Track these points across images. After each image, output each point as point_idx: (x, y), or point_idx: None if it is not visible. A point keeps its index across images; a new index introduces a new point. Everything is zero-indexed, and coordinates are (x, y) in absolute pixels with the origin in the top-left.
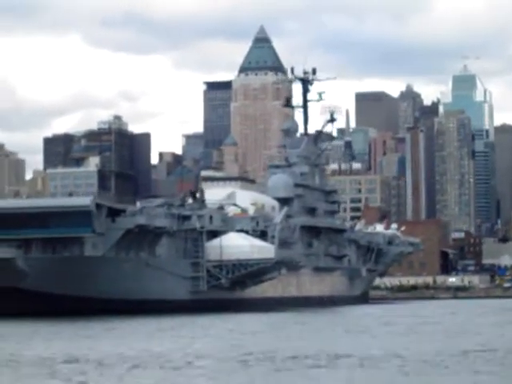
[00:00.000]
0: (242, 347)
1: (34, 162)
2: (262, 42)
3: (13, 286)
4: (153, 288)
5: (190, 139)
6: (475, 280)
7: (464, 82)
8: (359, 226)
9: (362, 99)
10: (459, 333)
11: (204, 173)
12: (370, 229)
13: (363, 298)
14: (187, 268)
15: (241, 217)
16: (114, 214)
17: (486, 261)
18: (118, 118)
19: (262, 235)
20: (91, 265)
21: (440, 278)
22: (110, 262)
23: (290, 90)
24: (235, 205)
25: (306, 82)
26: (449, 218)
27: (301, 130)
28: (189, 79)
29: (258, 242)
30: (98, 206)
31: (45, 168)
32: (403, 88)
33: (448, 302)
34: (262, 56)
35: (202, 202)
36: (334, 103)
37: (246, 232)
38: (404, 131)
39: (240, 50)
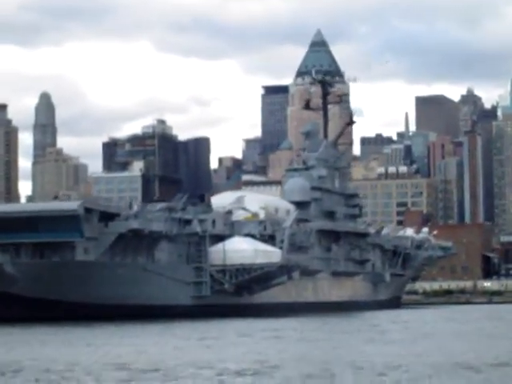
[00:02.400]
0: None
1: (96, 166)
2: (318, 45)
3: (1, 291)
4: (152, 293)
5: (249, 143)
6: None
7: None
8: (387, 230)
9: (423, 103)
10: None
11: (245, 177)
12: (400, 233)
13: (394, 303)
14: (190, 273)
15: (248, 221)
16: (107, 218)
17: None
18: (161, 122)
19: (271, 239)
20: (84, 270)
21: (480, 283)
22: (104, 267)
23: (346, 94)
24: (244, 209)
25: (325, 85)
26: (507, 222)
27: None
28: (257, 84)
29: (262, 247)
30: (89, 210)
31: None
32: (465, 92)
33: (479, 306)
34: (319, 60)
35: (207, 206)
36: (355, 106)
37: (254, 236)
38: (463, 135)
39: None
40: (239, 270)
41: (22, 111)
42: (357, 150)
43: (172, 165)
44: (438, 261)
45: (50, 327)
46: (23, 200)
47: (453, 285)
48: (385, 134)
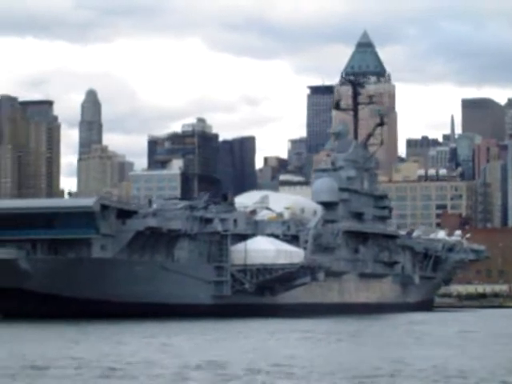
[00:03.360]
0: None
1: (142, 164)
2: (364, 46)
3: (16, 287)
4: (172, 292)
5: (295, 144)
6: None
7: None
8: (417, 232)
9: (469, 106)
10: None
11: (283, 177)
12: (432, 235)
13: (426, 306)
14: (210, 272)
15: (272, 221)
16: (125, 215)
17: None
18: (201, 120)
19: (294, 240)
20: (100, 267)
21: None
22: (121, 265)
23: (393, 95)
24: (268, 208)
25: (355, 85)
26: None
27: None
28: (305, 84)
29: (285, 247)
30: (105, 207)
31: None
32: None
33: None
34: (364, 61)
35: (230, 205)
36: (383, 106)
37: (277, 236)
38: (508, 138)
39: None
40: (260, 270)
41: (69, 108)
42: (402, 151)
43: (211, 163)
44: (470, 264)
45: (69, 324)
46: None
47: (488, 288)
48: (431, 136)
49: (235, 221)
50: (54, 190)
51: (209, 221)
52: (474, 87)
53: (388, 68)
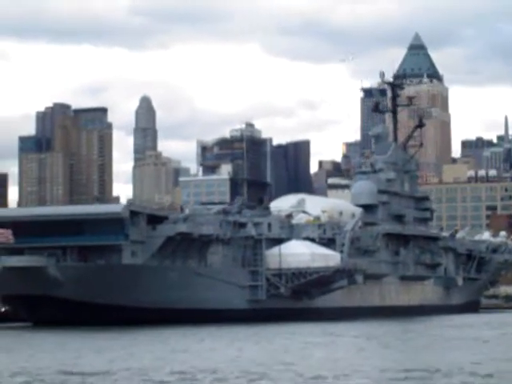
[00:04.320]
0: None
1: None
2: (417, 48)
3: (46, 295)
4: (206, 297)
5: (349, 147)
6: None
7: None
8: (462, 233)
9: None
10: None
11: (331, 180)
12: (476, 237)
13: (472, 307)
14: (245, 276)
15: (307, 224)
16: (155, 221)
17: None
18: (250, 125)
19: (331, 243)
20: (131, 273)
21: None
22: (153, 271)
23: (445, 97)
24: (304, 212)
25: (395, 87)
26: None
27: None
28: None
29: (320, 250)
30: (135, 213)
31: None
32: None
33: None
34: (417, 63)
35: (265, 209)
36: (423, 108)
37: (313, 240)
38: None
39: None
40: (295, 274)
41: (125, 115)
42: (457, 152)
43: (261, 168)
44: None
45: (103, 332)
46: None
47: None
48: (485, 137)
49: (269, 225)
50: (106, 196)
51: (242, 225)
52: None
53: (441, 70)
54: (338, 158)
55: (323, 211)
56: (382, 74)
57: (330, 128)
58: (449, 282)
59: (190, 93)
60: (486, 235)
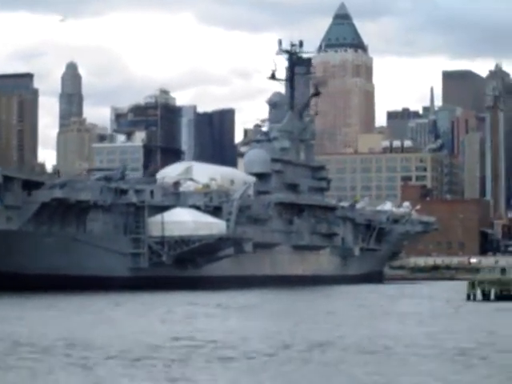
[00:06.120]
0: None
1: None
2: (341, 18)
3: None
4: (85, 264)
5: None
6: (503, 261)
7: None
8: (363, 203)
9: (449, 78)
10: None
11: (243, 149)
12: (378, 207)
13: (374, 278)
14: (127, 244)
15: (193, 192)
16: (31, 187)
17: None
18: (165, 92)
19: (218, 211)
20: (6, 239)
21: (475, 259)
22: (29, 236)
23: (370, 67)
24: (192, 180)
25: (292, 55)
26: None
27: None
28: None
29: (204, 218)
30: (10, 178)
31: None
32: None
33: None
34: (342, 33)
35: (151, 176)
36: (320, 76)
37: (199, 208)
38: (485, 110)
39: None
40: (178, 242)
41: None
42: (383, 122)
43: (175, 136)
44: (419, 236)
45: None
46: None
47: (447, 260)
48: (412, 109)
49: (152, 192)
50: (26, 163)
51: (124, 192)
52: (454, 59)
53: (376, 41)
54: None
55: (212, 179)
56: (280, 42)
57: (261, 97)
58: (345, 252)
59: (124, 60)
60: (388, 206)
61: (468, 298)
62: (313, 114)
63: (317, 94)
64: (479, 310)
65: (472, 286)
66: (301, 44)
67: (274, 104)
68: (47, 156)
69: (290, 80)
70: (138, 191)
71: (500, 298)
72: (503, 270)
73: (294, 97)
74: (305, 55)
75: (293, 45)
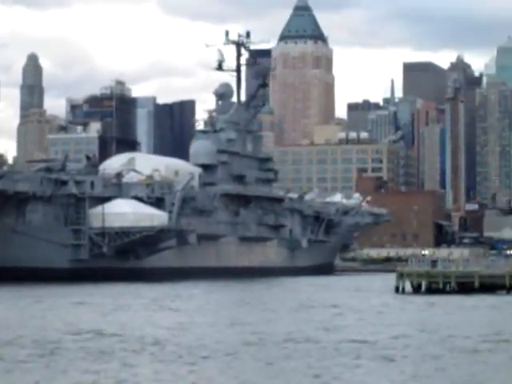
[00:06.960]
0: None
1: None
2: (301, 10)
3: None
4: (24, 255)
5: None
6: (457, 253)
7: (508, 53)
8: (311, 195)
9: (410, 69)
10: None
11: None
12: (328, 199)
13: (323, 270)
14: (67, 235)
15: (135, 183)
16: None
17: (488, 234)
18: (120, 83)
19: (161, 203)
20: None
21: (431, 251)
22: None
23: (330, 59)
24: (135, 171)
25: (239, 46)
26: (490, 190)
27: None
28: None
29: (146, 210)
30: None
31: None
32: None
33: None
34: (302, 24)
35: (92, 167)
36: (266, 67)
37: (141, 199)
38: (446, 102)
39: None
40: (118, 234)
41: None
42: (343, 114)
43: (130, 126)
44: (369, 228)
45: None
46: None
47: (401, 252)
48: (373, 100)
49: (92, 183)
50: None
51: (64, 183)
52: (415, 51)
53: (339, 32)
54: None
55: (155, 170)
56: (227, 33)
57: None
58: (293, 244)
59: (88, 52)
60: (338, 197)
61: (396, 290)
62: (260, 104)
63: (264, 85)
64: (390, 304)
65: (401, 277)
66: (248, 35)
67: (220, 95)
68: (9, 147)
69: (237, 71)
70: (78, 182)
71: (430, 291)
72: (434, 262)
73: (240, 87)
74: (252, 46)
75: (240, 35)
